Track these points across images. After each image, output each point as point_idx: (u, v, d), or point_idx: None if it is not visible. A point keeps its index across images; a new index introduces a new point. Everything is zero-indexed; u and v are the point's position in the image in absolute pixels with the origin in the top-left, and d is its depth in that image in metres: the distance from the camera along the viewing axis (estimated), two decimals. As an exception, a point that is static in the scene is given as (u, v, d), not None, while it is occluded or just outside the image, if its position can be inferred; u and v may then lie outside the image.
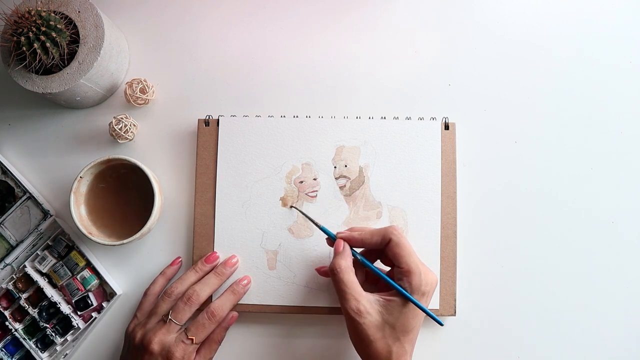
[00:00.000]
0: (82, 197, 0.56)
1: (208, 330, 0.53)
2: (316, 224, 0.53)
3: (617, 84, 0.60)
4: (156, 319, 0.53)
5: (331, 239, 0.53)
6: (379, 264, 0.54)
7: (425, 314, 0.48)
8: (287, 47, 0.61)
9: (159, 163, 0.60)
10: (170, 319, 0.52)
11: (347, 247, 0.50)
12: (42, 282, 0.57)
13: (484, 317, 0.57)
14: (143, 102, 0.59)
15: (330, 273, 0.49)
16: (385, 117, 0.58)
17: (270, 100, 0.60)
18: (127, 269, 0.59)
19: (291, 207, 0.57)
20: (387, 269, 0.53)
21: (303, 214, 0.55)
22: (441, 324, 0.48)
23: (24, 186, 0.58)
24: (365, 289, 0.49)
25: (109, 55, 0.56)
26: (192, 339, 0.52)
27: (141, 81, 0.58)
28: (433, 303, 0.56)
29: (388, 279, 0.49)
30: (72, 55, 0.54)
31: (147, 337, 0.52)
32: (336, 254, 0.50)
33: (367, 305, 0.47)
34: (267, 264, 0.57)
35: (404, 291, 0.47)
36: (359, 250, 0.52)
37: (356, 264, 0.51)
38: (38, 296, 0.58)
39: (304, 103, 0.60)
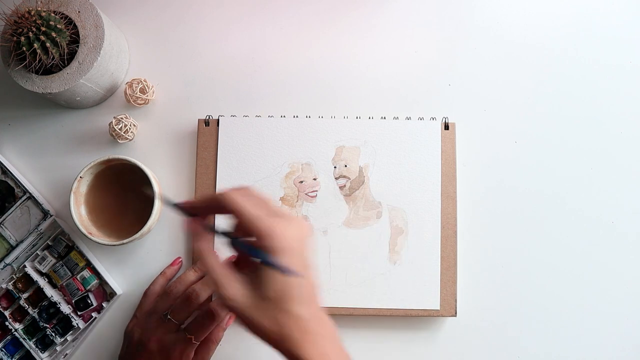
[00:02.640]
0: (82, 197, 0.56)
1: (207, 329, 0.53)
2: (166, 200, 0.45)
3: (617, 84, 0.60)
4: (155, 318, 0.53)
5: (186, 220, 0.44)
6: None
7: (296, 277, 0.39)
8: (287, 47, 0.61)
9: (159, 163, 0.60)
10: (169, 318, 0.52)
11: (199, 226, 0.43)
12: (42, 282, 0.57)
13: (484, 317, 0.57)
14: (143, 102, 0.59)
15: (196, 260, 0.43)
16: (385, 117, 0.58)
17: (270, 100, 0.60)
18: (127, 269, 0.59)
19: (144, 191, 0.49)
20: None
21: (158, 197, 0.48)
22: (293, 274, 0.39)
23: (24, 186, 0.58)
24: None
25: (109, 55, 0.56)
26: (191, 338, 0.52)
27: (141, 81, 0.58)
28: (433, 303, 0.56)
29: (243, 247, 0.41)
30: (72, 55, 0.54)
31: (145, 335, 0.52)
32: (192, 236, 0.43)
33: (236, 286, 0.40)
34: (267, 264, 0.57)
35: (258, 255, 0.39)
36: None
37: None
38: (38, 296, 0.58)
39: (304, 103, 0.60)
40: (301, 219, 0.41)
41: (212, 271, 0.41)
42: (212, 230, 0.44)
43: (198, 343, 0.53)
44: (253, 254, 0.40)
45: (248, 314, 0.40)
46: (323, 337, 0.40)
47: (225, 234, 0.43)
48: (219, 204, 0.41)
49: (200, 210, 0.43)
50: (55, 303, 0.57)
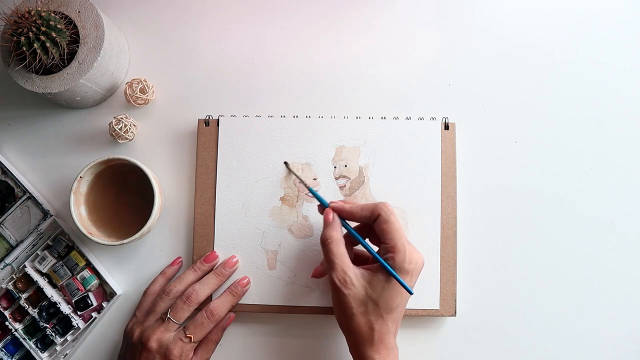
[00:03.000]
0: (82, 197, 0.56)
1: (207, 329, 0.53)
2: (309, 188, 0.54)
3: (617, 84, 0.60)
4: (155, 317, 0.53)
5: (322, 207, 0.53)
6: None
7: (408, 294, 0.48)
8: (287, 47, 0.61)
9: (159, 163, 0.60)
10: (168, 318, 0.52)
11: (337, 218, 0.50)
12: (42, 282, 0.57)
13: (484, 317, 0.57)
14: (143, 102, 0.59)
15: (321, 244, 0.50)
16: (385, 117, 0.58)
17: (270, 100, 0.60)
18: (127, 269, 0.59)
19: (285, 162, 0.57)
20: (376, 248, 0.53)
21: (296, 175, 0.56)
22: (411, 293, 0.47)
23: (24, 186, 0.58)
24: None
25: (109, 55, 0.56)
26: (190, 337, 0.52)
27: (141, 81, 0.58)
28: (433, 303, 0.56)
29: (374, 252, 0.49)
30: (72, 55, 0.54)
31: (145, 334, 0.52)
32: (326, 224, 0.50)
33: (353, 277, 0.47)
34: (267, 264, 0.57)
35: (387, 266, 0.47)
36: (353, 224, 0.52)
37: (347, 240, 0.51)
38: (38, 296, 0.58)
39: (304, 103, 0.60)
40: (419, 252, 0.49)
41: (336, 257, 0.48)
42: (343, 224, 0.51)
43: (197, 342, 0.53)
44: (376, 258, 0.48)
45: (352, 304, 0.46)
46: (393, 357, 0.47)
47: (351, 229, 0.51)
48: (375, 210, 0.48)
49: (345, 213, 0.50)
50: (55, 303, 0.57)
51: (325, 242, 0.49)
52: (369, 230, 0.52)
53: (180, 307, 0.53)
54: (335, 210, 0.51)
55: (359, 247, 0.54)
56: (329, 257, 0.48)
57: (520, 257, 0.58)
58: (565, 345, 0.57)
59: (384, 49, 0.61)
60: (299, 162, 0.58)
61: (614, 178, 0.59)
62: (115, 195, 0.58)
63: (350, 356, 0.49)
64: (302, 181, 0.55)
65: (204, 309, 0.54)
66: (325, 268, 0.53)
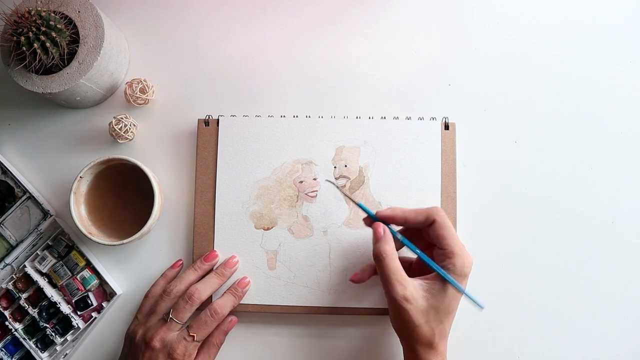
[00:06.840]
0: (82, 197, 0.56)
1: (210, 328, 0.53)
2: (354, 201, 0.53)
3: (617, 84, 0.60)
4: (157, 317, 0.53)
5: (369, 219, 0.51)
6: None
7: (462, 295, 0.48)
8: (287, 47, 0.61)
9: (159, 163, 0.60)
10: (171, 318, 0.52)
11: (388, 231, 0.49)
12: (42, 282, 0.57)
13: (484, 317, 0.57)
14: (143, 102, 0.59)
15: (375, 259, 0.49)
16: (385, 117, 0.58)
17: (270, 100, 0.60)
18: (127, 269, 0.59)
19: (327, 180, 0.57)
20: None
21: (339, 188, 0.55)
22: (482, 307, 0.48)
23: (24, 186, 0.58)
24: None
25: (109, 55, 0.56)
26: (193, 336, 0.52)
27: (141, 81, 0.58)
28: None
29: (430, 262, 0.48)
30: (72, 55, 0.54)
31: (148, 334, 0.52)
32: (378, 238, 0.49)
33: (413, 291, 0.47)
34: (267, 264, 0.57)
35: (446, 275, 0.47)
36: (397, 228, 0.51)
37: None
38: (38, 296, 0.58)
39: (304, 103, 0.60)
40: (468, 252, 0.49)
41: (393, 272, 0.47)
42: (395, 236, 0.50)
43: (200, 342, 0.53)
44: (435, 268, 0.48)
45: (414, 318, 0.46)
46: (445, 356, 0.49)
47: (404, 239, 0.50)
48: (430, 216, 0.48)
49: (399, 219, 0.50)
50: (55, 303, 0.57)
51: (380, 258, 0.48)
52: (413, 232, 0.52)
53: (182, 306, 0.53)
54: (386, 218, 0.50)
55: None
56: (385, 273, 0.47)
57: (520, 257, 0.58)
58: (565, 345, 0.57)
59: (384, 49, 0.61)
60: (299, 162, 0.58)
61: (614, 178, 0.59)
62: (115, 195, 0.58)
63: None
64: (349, 197, 0.54)
65: (207, 307, 0.54)
66: (365, 274, 0.53)
